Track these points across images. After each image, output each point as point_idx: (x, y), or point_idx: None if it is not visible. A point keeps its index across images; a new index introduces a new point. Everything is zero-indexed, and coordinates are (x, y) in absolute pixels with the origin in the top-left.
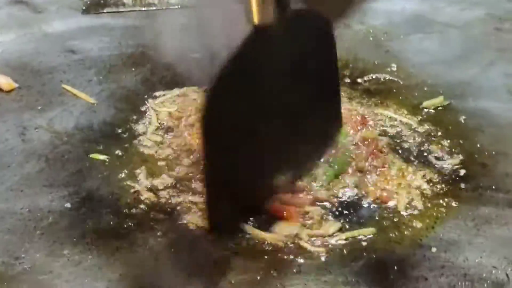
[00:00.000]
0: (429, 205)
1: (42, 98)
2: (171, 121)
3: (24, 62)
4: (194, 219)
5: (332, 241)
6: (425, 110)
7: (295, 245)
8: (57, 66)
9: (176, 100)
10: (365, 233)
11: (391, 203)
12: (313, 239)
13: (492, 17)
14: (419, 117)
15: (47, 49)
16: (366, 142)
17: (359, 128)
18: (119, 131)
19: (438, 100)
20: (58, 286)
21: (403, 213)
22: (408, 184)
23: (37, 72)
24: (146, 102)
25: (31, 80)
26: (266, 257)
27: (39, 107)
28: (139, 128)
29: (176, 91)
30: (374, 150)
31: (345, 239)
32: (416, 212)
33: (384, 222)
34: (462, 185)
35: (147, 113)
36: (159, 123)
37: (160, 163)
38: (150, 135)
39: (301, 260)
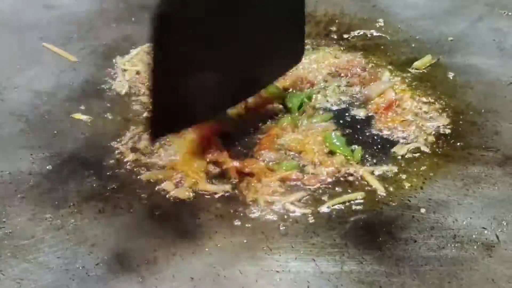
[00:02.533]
0: (417, 165)
1: (21, 56)
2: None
3: (1, 19)
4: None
5: (322, 208)
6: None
7: (282, 207)
8: (36, 23)
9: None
10: (354, 198)
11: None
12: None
13: None
14: (408, 74)
15: (26, 5)
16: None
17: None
18: (101, 90)
19: (427, 60)
20: (40, 251)
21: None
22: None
23: (15, 29)
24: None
25: (10, 38)
26: (253, 219)
27: (18, 66)
28: (118, 87)
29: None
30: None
31: (333, 205)
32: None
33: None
34: (451, 144)
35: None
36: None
37: (142, 123)
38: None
39: (288, 223)
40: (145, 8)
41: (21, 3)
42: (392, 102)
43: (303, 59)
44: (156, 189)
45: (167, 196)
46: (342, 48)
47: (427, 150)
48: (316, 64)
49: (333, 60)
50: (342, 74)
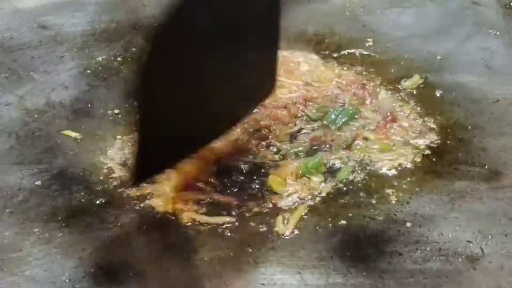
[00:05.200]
0: (404, 180)
1: (13, 75)
2: None
3: None
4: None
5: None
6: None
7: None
8: (28, 42)
9: None
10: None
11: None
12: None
13: None
14: (397, 93)
15: (18, 25)
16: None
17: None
18: (92, 108)
19: (416, 79)
20: (28, 264)
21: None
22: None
23: (7, 48)
24: None
25: (2, 56)
26: (240, 233)
27: (10, 84)
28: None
29: None
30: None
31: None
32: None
33: (359, 197)
34: (438, 160)
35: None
36: None
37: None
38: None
39: (275, 237)
40: (137, 29)
41: (15, 23)
42: (390, 120)
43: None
44: (143, 204)
45: (154, 210)
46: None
47: (414, 165)
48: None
49: (336, 79)
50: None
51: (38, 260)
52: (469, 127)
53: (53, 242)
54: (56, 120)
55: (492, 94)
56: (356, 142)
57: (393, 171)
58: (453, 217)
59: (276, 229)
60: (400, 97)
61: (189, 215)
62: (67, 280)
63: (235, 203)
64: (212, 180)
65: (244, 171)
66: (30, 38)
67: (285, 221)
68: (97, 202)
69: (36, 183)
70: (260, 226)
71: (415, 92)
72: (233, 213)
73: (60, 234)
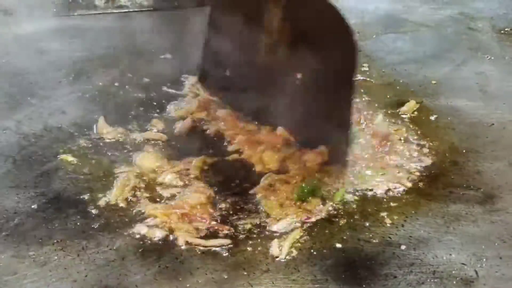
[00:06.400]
0: (399, 203)
1: (11, 100)
2: None
3: None
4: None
5: (304, 245)
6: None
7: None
8: (26, 67)
9: None
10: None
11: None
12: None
13: (465, 17)
14: (392, 117)
15: (17, 51)
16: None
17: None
18: (88, 132)
19: (412, 104)
20: (23, 287)
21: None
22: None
23: (6, 73)
24: None
25: (1, 82)
26: (235, 256)
27: (8, 109)
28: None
29: None
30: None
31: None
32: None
33: (354, 220)
34: (433, 183)
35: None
36: None
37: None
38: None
39: (270, 259)
40: (133, 54)
41: (14, 48)
42: (385, 143)
43: None
44: (139, 227)
45: (150, 234)
46: None
47: (409, 189)
48: None
49: None
50: None
51: (33, 283)
52: (464, 151)
53: (48, 265)
54: (53, 145)
55: (487, 118)
56: (352, 166)
57: (388, 194)
58: (447, 240)
59: (271, 252)
60: (395, 121)
61: (184, 238)
62: None
63: (230, 226)
64: (209, 207)
65: (241, 195)
66: (28, 64)
67: (280, 244)
68: (93, 225)
69: (33, 206)
70: (255, 249)
71: (410, 116)
72: (228, 236)
73: (56, 257)
